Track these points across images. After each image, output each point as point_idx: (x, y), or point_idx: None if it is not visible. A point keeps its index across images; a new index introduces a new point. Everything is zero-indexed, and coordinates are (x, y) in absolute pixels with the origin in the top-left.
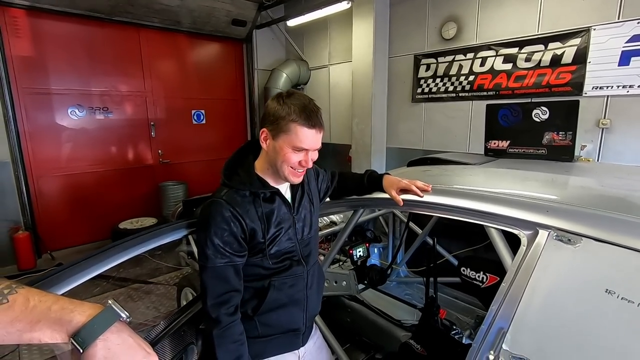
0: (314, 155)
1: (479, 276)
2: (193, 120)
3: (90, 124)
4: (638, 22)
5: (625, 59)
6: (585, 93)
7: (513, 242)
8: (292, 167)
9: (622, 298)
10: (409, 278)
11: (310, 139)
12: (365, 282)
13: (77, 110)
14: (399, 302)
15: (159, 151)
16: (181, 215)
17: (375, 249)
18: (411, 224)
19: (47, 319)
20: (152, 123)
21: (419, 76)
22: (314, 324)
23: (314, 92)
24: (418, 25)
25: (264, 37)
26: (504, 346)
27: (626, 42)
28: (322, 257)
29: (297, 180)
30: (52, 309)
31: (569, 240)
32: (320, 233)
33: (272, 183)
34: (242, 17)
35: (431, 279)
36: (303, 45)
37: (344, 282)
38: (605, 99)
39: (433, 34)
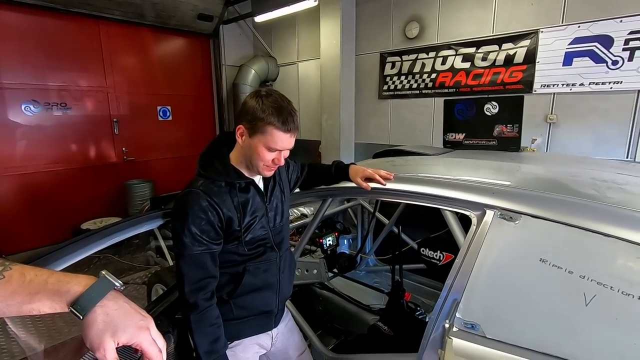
0: (286, 154)
1: (436, 255)
2: (159, 117)
3: (46, 121)
4: (579, 26)
5: (568, 59)
6: (535, 90)
7: (466, 223)
8: (266, 165)
9: (553, 265)
10: (377, 267)
11: (284, 142)
12: (335, 269)
13: (32, 106)
14: (368, 289)
15: (123, 148)
16: None
17: (345, 240)
18: (379, 215)
19: (45, 290)
20: (115, 119)
21: (384, 73)
22: (286, 308)
23: (283, 88)
24: (383, 24)
25: (231, 33)
26: (457, 314)
27: (569, 44)
28: (293, 248)
29: (270, 174)
30: (49, 282)
31: (511, 217)
32: (291, 225)
33: (246, 174)
34: (209, 11)
35: (397, 266)
36: (271, 42)
37: (315, 270)
38: (552, 96)
39: (397, 33)
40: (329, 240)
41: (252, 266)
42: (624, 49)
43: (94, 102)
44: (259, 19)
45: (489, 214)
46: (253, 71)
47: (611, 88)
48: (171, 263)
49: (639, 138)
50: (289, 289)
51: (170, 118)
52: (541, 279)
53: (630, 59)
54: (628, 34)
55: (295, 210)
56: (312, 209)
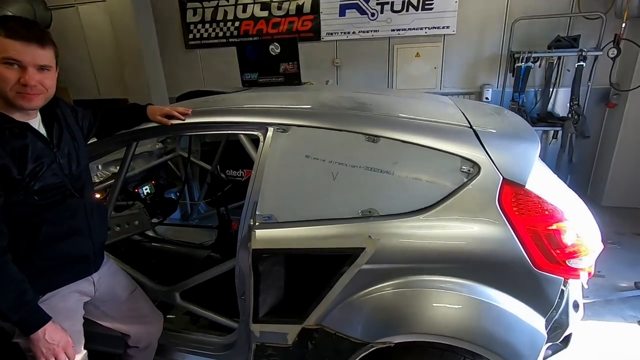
0: (44, 78)
1: (239, 173)
2: None
3: None
4: None
5: (342, 11)
6: (323, 38)
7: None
8: (16, 91)
9: (314, 158)
10: (209, 211)
11: (18, 49)
12: (158, 216)
13: None
14: (200, 229)
15: None
16: None
17: (172, 195)
18: (201, 163)
19: None
20: None
21: (187, 21)
22: (107, 256)
23: (63, 37)
24: None
25: None
26: (257, 212)
27: None
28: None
29: (31, 104)
30: None
31: (284, 130)
32: (102, 186)
33: (18, 118)
34: None
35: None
36: None
37: (136, 221)
38: (335, 43)
39: None
40: (146, 189)
41: (51, 215)
42: (377, 3)
43: None
44: None
45: (270, 130)
46: (10, 14)
47: (372, 36)
48: None
49: (393, 74)
50: (103, 233)
51: None
52: (307, 170)
53: (382, 12)
54: None
55: (105, 172)
56: None
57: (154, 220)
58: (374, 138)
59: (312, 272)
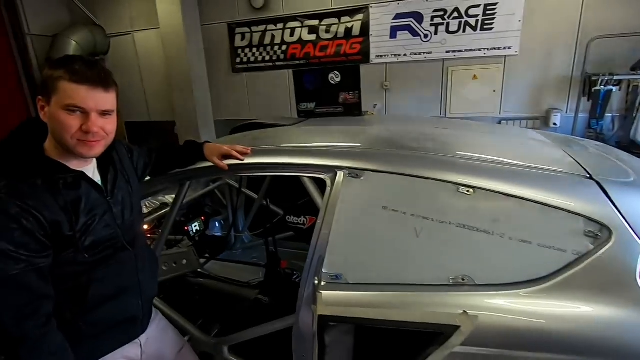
0: (106, 124)
1: (300, 220)
2: None
3: None
4: (398, 3)
5: (394, 33)
6: (372, 61)
7: (322, 186)
8: (77, 139)
9: (393, 210)
10: (253, 242)
11: (83, 95)
12: (207, 254)
13: None
14: (246, 266)
15: None
16: None
17: (217, 223)
18: (247, 191)
19: None
20: None
21: (235, 46)
22: (154, 308)
23: (119, 63)
24: None
25: None
26: (323, 270)
27: (393, 20)
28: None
29: (91, 152)
30: None
31: (357, 175)
32: (151, 217)
33: (74, 166)
34: None
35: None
36: (94, 7)
37: (184, 261)
38: (385, 65)
39: (243, 3)
40: (196, 226)
41: (100, 273)
42: (431, 25)
43: None
44: None
45: (340, 174)
46: (74, 43)
47: (425, 58)
48: None
49: (447, 98)
50: (154, 288)
51: None
52: (385, 224)
53: (436, 33)
54: (432, 12)
55: (154, 201)
56: (174, 196)
57: (204, 258)
58: (468, 189)
59: (391, 348)
